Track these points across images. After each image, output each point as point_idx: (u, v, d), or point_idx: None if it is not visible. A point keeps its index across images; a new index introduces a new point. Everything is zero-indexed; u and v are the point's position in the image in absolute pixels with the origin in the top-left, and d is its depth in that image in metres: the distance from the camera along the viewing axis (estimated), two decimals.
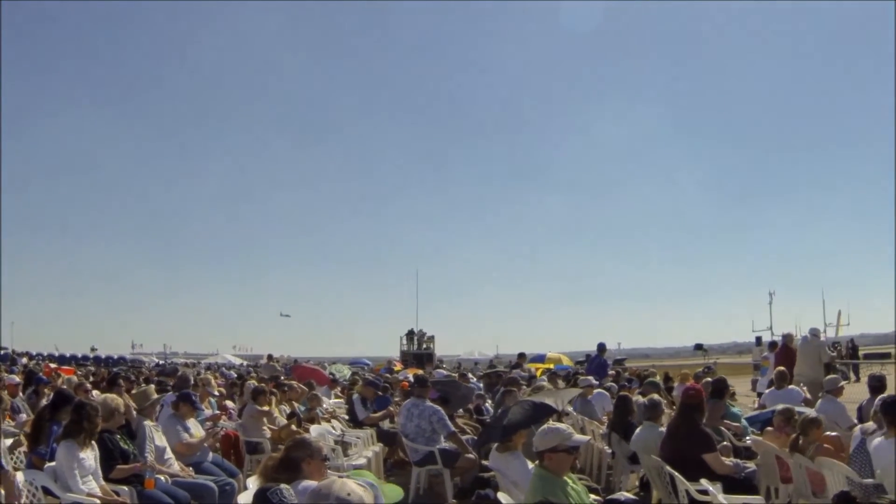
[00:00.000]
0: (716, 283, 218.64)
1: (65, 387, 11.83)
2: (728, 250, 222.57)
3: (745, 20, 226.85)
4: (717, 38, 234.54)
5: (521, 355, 23.19)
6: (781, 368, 12.08)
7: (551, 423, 5.40)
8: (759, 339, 37.43)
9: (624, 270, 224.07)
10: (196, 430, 8.11)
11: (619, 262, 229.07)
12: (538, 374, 21.77)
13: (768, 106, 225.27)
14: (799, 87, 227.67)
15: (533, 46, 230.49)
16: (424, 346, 45.64)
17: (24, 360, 36.66)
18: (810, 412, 7.52)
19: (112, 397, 7.21)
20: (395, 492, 4.50)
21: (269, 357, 33.28)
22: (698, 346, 45.70)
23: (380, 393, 12.85)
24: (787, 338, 17.26)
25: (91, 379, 18.83)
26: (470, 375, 19.13)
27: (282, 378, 15.96)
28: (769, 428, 8.02)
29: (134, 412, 7.57)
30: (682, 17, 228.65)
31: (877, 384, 9.39)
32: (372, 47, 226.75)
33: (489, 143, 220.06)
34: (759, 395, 15.66)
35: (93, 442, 6.19)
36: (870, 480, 5.71)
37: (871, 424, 6.73)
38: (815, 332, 16.25)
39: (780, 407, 8.26)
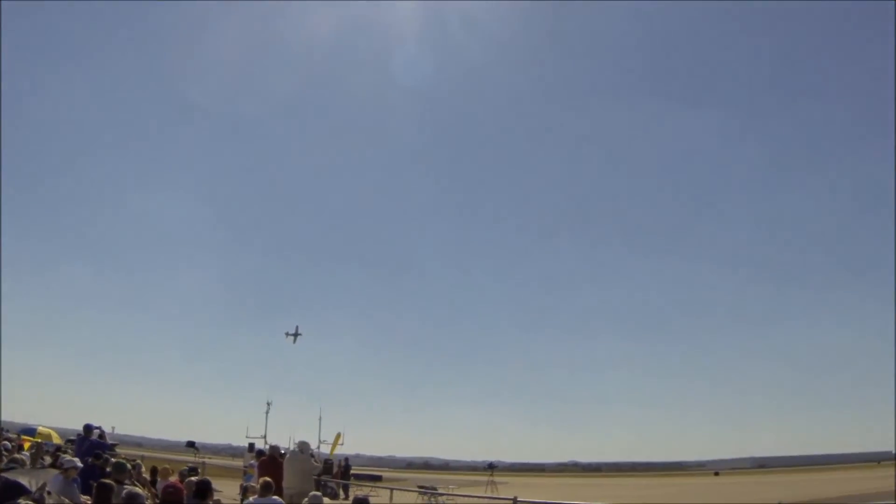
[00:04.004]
0: (218, 384, 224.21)
1: None
2: (241, 352, 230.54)
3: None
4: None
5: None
6: (267, 479, 13.90)
7: None
8: (251, 446, 40.30)
9: (128, 350, 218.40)
10: None
11: (128, 341, 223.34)
12: (26, 447, 21.42)
13: (321, 214, 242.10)
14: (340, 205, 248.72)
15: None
16: None
17: None
18: None
19: None
20: None
21: None
22: (190, 444, 46.99)
23: None
24: (274, 449, 19.39)
25: None
26: None
27: None
28: None
29: None
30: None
31: None
32: None
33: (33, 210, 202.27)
34: (244, 501, 17.31)
35: None
36: None
37: None
38: (303, 447, 18.48)
39: None
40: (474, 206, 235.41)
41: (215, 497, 13.52)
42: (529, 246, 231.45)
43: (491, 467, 55.61)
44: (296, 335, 64.38)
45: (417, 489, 38.03)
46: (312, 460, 18.67)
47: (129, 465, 14.74)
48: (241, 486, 19.91)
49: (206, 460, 42.44)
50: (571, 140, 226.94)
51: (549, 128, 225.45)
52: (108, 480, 11.01)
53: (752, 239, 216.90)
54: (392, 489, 28.37)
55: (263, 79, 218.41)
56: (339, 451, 51.18)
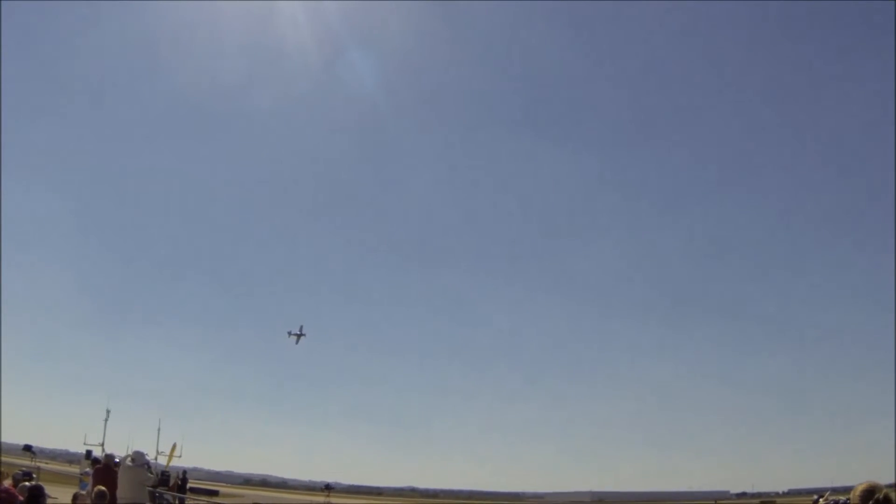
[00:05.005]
0: (59, 386, 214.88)
1: None
2: (83, 356, 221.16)
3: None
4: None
5: None
6: (101, 488, 14.18)
7: None
8: (88, 453, 39.48)
9: None
10: None
11: None
12: None
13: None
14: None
15: None
16: None
17: None
18: None
19: None
20: None
21: None
22: (27, 448, 45.59)
23: None
24: (109, 458, 19.45)
25: None
26: None
27: None
28: None
29: None
30: None
31: None
32: None
33: None
34: None
35: None
36: None
37: None
38: (136, 457, 18.67)
39: None
40: (330, 227, 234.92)
41: None
42: (381, 269, 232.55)
43: (328, 488, 55.84)
44: (299, 335, 60.76)
45: None
46: (147, 471, 18.77)
47: None
48: (75, 493, 19.81)
49: (43, 465, 41.13)
50: (433, 168, 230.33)
51: (412, 152, 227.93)
52: None
53: (607, 274, 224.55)
54: None
55: (134, 78, 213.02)
56: (178, 463, 50.20)
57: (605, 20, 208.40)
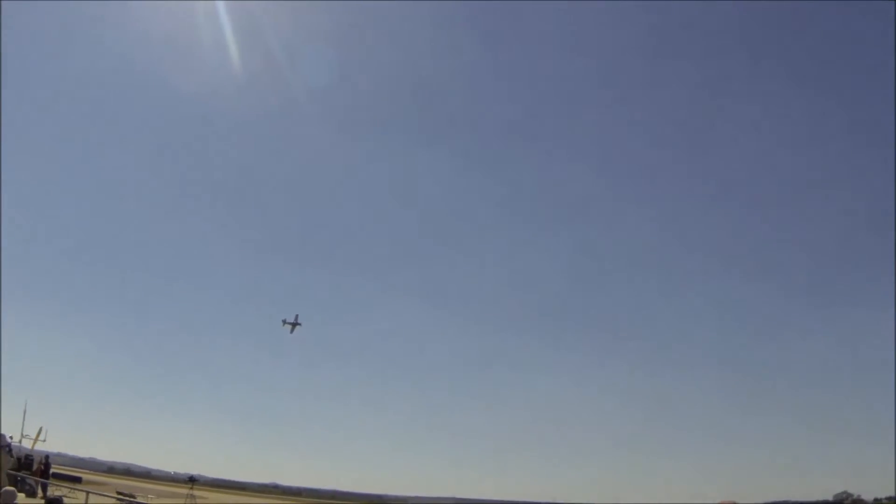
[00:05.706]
0: None
1: None
2: None
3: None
4: None
5: None
6: None
7: None
8: None
9: None
10: None
11: None
12: None
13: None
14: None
15: None
16: None
17: None
18: None
19: None
20: None
21: None
22: None
23: None
24: None
25: None
26: None
27: None
28: None
29: None
30: None
31: None
32: None
33: None
34: None
35: None
36: None
37: None
38: None
39: None
40: (215, 221, 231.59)
41: None
42: (260, 266, 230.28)
43: (192, 480, 55.52)
44: (294, 324, 59.23)
45: (116, 495, 37.81)
46: (7, 454, 18.92)
47: None
48: None
49: None
50: (324, 168, 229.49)
51: (310, 151, 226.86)
52: None
53: (489, 286, 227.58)
54: (89, 492, 28.50)
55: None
56: (43, 447, 49.34)
57: (503, 33, 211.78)
